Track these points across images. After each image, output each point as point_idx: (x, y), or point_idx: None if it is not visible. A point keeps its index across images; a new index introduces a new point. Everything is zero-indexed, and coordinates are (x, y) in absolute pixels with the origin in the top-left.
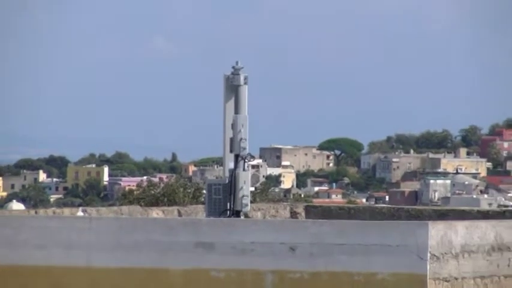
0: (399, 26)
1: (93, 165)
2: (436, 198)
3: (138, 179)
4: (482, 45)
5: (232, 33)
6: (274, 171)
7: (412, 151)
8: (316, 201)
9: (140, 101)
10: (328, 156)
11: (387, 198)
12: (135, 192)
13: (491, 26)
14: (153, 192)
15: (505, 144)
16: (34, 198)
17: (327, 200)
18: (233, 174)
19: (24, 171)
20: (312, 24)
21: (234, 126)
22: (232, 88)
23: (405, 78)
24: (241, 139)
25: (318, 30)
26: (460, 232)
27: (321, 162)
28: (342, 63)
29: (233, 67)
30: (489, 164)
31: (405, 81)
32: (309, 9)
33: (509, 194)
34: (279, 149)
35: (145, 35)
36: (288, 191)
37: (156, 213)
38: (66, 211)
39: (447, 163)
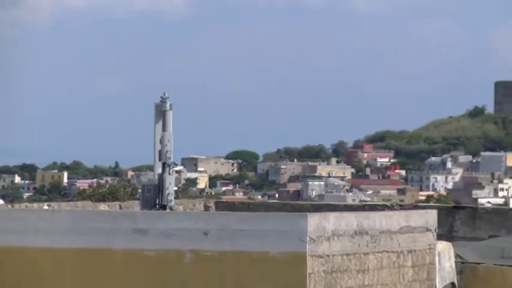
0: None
1: (56, 171)
2: (314, 196)
3: (90, 181)
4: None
5: (161, 70)
6: (192, 175)
7: (295, 160)
8: (224, 198)
9: (92, 121)
10: (232, 164)
11: (277, 195)
12: (87, 191)
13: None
14: (100, 191)
15: (365, 155)
16: (11, 195)
17: (232, 196)
18: (161, 177)
19: (4, 175)
20: (219, 56)
21: (162, 141)
22: (160, 113)
23: (286, 100)
24: (167, 151)
25: (222, 59)
26: (331, 221)
27: (228, 168)
28: (239, 90)
29: (161, 97)
30: (353, 170)
31: (286, 103)
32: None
33: (367, 192)
34: (196, 158)
35: (94, 71)
36: (202, 190)
37: (103, 207)
38: (35, 205)
39: (322, 169)
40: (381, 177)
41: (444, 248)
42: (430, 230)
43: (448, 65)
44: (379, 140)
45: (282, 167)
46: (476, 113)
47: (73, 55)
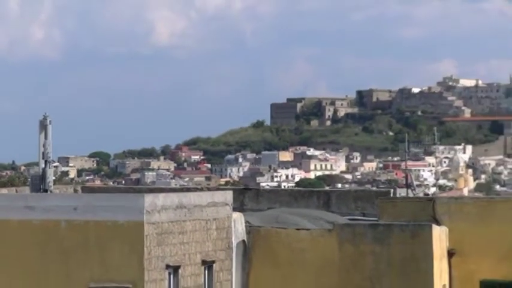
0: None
1: None
2: (148, 182)
3: None
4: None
5: (45, 95)
6: (65, 168)
7: (136, 158)
8: (88, 184)
9: None
10: (93, 161)
11: (123, 182)
12: None
13: None
14: (2, 180)
15: (183, 154)
16: None
17: (92, 183)
18: (44, 170)
19: None
20: (83, 86)
21: (44, 146)
22: (43, 126)
23: (129, 116)
24: (48, 152)
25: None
26: (160, 199)
27: (90, 164)
28: (97, 110)
29: (43, 115)
30: (175, 164)
31: (129, 119)
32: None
33: (185, 179)
34: (68, 157)
35: None
36: (72, 179)
37: (3, 191)
38: None
39: (154, 164)
40: (194, 169)
41: (237, 216)
42: (228, 204)
43: (239, 91)
44: (192, 143)
45: (127, 162)
46: (258, 125)
47: None
